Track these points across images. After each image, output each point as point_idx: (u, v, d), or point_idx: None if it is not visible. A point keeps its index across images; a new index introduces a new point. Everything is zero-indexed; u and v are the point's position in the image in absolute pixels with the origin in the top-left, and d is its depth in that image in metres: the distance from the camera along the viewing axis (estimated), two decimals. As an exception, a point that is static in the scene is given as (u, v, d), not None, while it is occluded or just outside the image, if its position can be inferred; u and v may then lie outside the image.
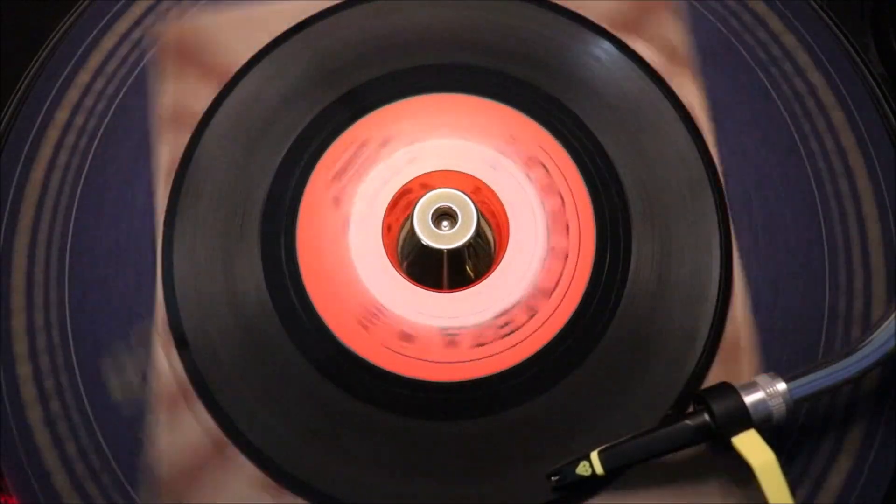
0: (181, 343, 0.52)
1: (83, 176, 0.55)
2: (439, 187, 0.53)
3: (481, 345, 0.52)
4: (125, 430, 0.51)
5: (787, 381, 0.47)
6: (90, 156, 0.55)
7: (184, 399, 0.51)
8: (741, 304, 0.53)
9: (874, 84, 0.56)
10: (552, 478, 0.48)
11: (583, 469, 0.47)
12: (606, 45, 0.58)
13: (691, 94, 0.56)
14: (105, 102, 0.56)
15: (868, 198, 0.54)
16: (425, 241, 0.53)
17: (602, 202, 0.54)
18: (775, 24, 0.58)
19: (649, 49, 0.57)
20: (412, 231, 0.53)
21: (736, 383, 0.47)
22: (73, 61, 0.57)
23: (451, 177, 0.55)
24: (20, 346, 0.52)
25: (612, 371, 0.52)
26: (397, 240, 0.56)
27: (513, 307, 0.53)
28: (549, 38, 0.58)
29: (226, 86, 0.56)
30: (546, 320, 0.52)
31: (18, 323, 0.52)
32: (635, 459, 0.47)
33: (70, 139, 0.56)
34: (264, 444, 0.50)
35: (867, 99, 0.56)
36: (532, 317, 0.52)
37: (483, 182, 0.55)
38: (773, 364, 0.51)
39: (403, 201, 0.55)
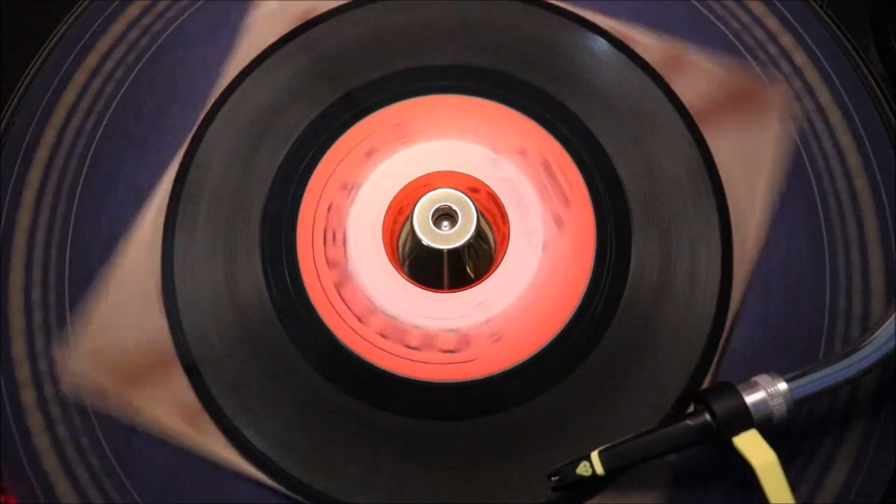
0: (182, 342, 0.52)
1: (83, 176, 0.55)
2: (439, 187, 0.53)
3: (481, 345, 0.52)
4: (125, 429, 0.51)
5: (787, 381, 0.47)
6: (89, 156, 0.55)
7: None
8: (741, 303, 0.53)
9: (874, 84, 0.56)
10: (552, 478, 0.48)
11: (583, 469, 0.47)
12: (606, 45, 0.58)
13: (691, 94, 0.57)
14: (104, 101, 0.56)
15: (867, 197, 0.54)
16: (425, 241, 0.53)
17: (602, 202, 0.54)
18: (775, 24, 0.58)
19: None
20: (412, 231, 0.53)
21: (737, 383, 0.47)
22: (70, 61, 0.57)
23: (451, 177, 0.55)
24: (18, 346, 0.52)
25: (612, 371, 0.52)
26: (398, 240, 0.56)
27: (513, 307, 0.53)
28: (549, 39, 0.58)
29: (227, 87, 0.56)
30: (546, 320, 0.52)
31: (17, 323, 0.52)
32: (635, 459, 0.47)
33: (68, 139, 0.55)
34: (264, 445, 0.50)
35: (867, 99, 0.56)
36: (532, 316, 0.52)
37: (483, 183, 0.55)
38: (774, 364, 0.51)
39: (404, 202, 0.55)
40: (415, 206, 0.53)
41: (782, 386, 0.47)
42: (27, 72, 0.57)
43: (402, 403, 0.51)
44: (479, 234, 0.54)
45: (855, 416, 0.51)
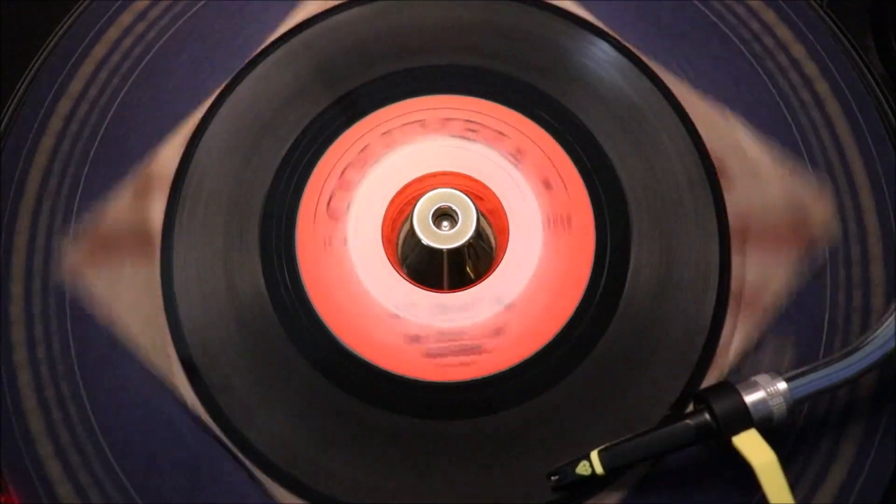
0: (181, 342, 0.52)
1: (82, 176, 0.55)
2: (439, 187, 0.53)
3: (481, 345, 0.52)
4: (124, 428, 0.51)
5: (787, 380, 0.47)
6: (89, 156, 0.55)
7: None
8: (741, 303, 0.53)
9: (874, 84, 0.56)
10: (552, 478, 0.48)
11: (583, 469, 0.47)
12: (606, 46, 0.58)
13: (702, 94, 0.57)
14: (105, 101, 0.56)
15: (867, 197, 0.54)
16: (425, 241, 0.53)
17: (602, 202, 0.54)
18: (775, 24, 0.58)
19: None
20: (412, 231, 0.53)
21: (736, 383, 0.47)
22: (72, 61, 0.57)
23: (450, 177, 0.55)
24: (19, 342, 0.52)
25: (612, 371, 0.52)
26: (397, 240, 0.56)
27: (513, 307, 0.53)
28: (548, 40, 0.58)
29: (225, 87, 0.56)
30: (546, 320, 0.52)
31: (17, 322, 0.52)
32: (635, 459, 0.47)
33: (69, 139, 0.56)
34: (264, 445, 0.50)
35: (867, 99, 0.56)
36: (532, 317, 0.52)
37: (482, 183, 0.55)
38: (774, 364, 0.51)
39: (404, 201, 0.55)
40: (415, 206, 0.53)
41: (782, 385, 0.47)
42: (27, 71, 0.57)
43: (402, 403, 0.51)
44: (479, 233, 0.54)
45: (855, 416, 0.51)
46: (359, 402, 0.51)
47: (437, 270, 0.54)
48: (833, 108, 0.56)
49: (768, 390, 0.47)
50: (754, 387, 0.47)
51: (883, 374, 0.51)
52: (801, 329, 0.52)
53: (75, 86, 0.57)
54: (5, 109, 0.56)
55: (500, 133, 0.56)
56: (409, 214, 0.54)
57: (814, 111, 0.56)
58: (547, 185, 0.55)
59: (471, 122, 0.56)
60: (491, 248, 0.56)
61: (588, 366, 0.52)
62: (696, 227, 0.54)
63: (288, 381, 0.51)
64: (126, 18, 0.58)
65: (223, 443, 0.50)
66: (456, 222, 0.53)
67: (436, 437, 0.51)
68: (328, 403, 0.51)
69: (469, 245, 0.53)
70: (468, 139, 0.56)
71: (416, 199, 0.53)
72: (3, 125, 0.56)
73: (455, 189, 0.53)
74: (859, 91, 0.56)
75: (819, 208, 0.54)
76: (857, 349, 0.48)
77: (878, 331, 0.48)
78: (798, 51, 0.57)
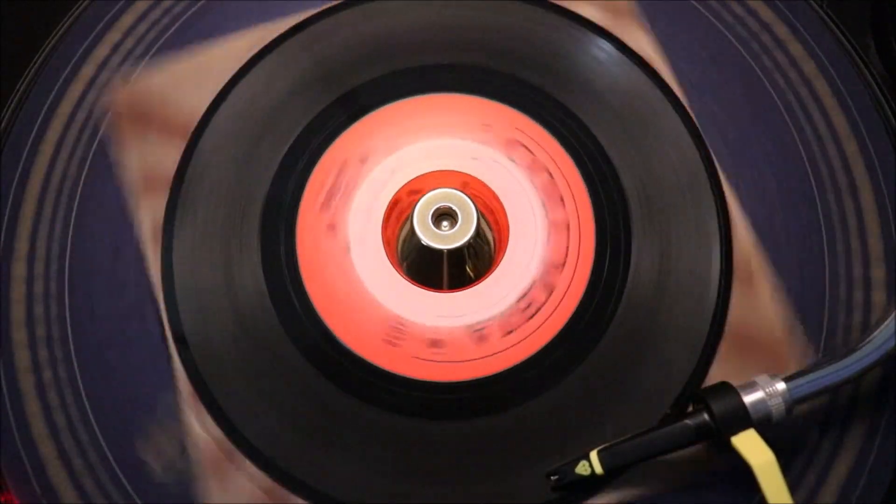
0: (181, 342, 0.52)
1: (82, 177, 0.55)
2: (439, 187, 0.53)
3: (481, 345, 0.52)
4: (124, 428, 0.51)
5: (786, 380, 0.47)
6: (91, 155, 0.55)
7: (229, 460, 0.50)
8: (741, 303, 0.53)
9: (874, 84, 0.56)
10: (552, 477, 0.48)
11: (582, 469, 0.47)
12: (607, 44, 0.58)
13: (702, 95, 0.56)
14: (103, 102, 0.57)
15: (868, 197, 0.54)
16: (425, 241, 0.53)
17: (602, 202, 0.54)
18: (774, 23, 0.58)
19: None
20: (412, 231, 0.53)
21: (735, 383, 0.47)
22: (71, 60, 0.57)
23: (451, 177, 0.55)
24: (20, 342, 0.52)
25: (612, 371, 0.52)
26: (397, 240, 0.56)
27: (512, 307, 0.53)
28: (549, 39, 0.58)
29: (223, 88, 0.56)
30: (546, 320, 0.52)
31: (18, 318, 0.52)
32: (635, 459, 0.47)
33: (70, 139, 0.56)
34: (264, 445, 0.50)
35: (867, 99, 0.56)
36: (532, 317, 0.52)
37: (482, 182, 0.55)
38: (773, 364, 0.51)
39: (404, 201, 0.55)
40: (415, 206, 0.53)
41: (781, 386, 0.47)
42: (27, 71, 0.57)
43: (402, 403, 0.51)
44: (478, 234, 0.54)
45: (855, 416, 0.51)
46: (358, 402, 0.51)
47: (437, 270, 0.54)
48: (833, 107, 0.56)
49: (767, 390, 0.47)
50: (753, 387, 0.47)
51: (883, 374, 0.51)
52: (800, 329, 0.52)
53: (75, 87, 0.57)
54: (5, 109, 0.56)
55: (501, 133, 0.56)
56: (409, 214, 0.54)
57: (813, 111, 0.56)
58: (547, 184, 0.55)
59: (471, 121, 0.56)
60: (491, 248, 0.56)
61: (588, 366, 0.52)
62: (697, 227, 0.54)
63: (287, 381, 0.51)
64: (132, 14, 0.58)
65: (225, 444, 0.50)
66: (456, 222, 0.53)
67: (435, 437, 0.51)
68: (328, 403, 0.51)
69: (469, 245, 0.53)
70: (469, 139, 0.56)
71: (416, 198, 0.53)
72: (2, 125, 0.56)
73: (455, 189, 0.53)
74: (859, 91, 0.56)
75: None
76: (856, 349, 0.48)
77: (878, 330, 0.48)
78: (797, 50, 0.57)
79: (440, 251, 0.53)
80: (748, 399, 0.46)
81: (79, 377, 0.51)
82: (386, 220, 0.55)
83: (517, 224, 0.54)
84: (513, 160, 0.55)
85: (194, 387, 0.51)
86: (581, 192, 0.55)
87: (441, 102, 0.57)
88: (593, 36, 0.58)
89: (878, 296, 0.53)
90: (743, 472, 0.46)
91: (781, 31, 0.58)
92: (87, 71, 0.57)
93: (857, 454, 0.50)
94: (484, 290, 0.53)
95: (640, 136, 0.55)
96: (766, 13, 0.58)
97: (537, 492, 0.49)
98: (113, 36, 0.58)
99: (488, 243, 0.56)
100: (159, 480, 0.50)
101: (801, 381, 0.47)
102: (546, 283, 0.53)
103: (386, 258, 0.54)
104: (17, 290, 0.53)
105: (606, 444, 0.48)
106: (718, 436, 0.46)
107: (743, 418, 0.46)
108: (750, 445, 0.45)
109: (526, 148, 0.55)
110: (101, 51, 0.57)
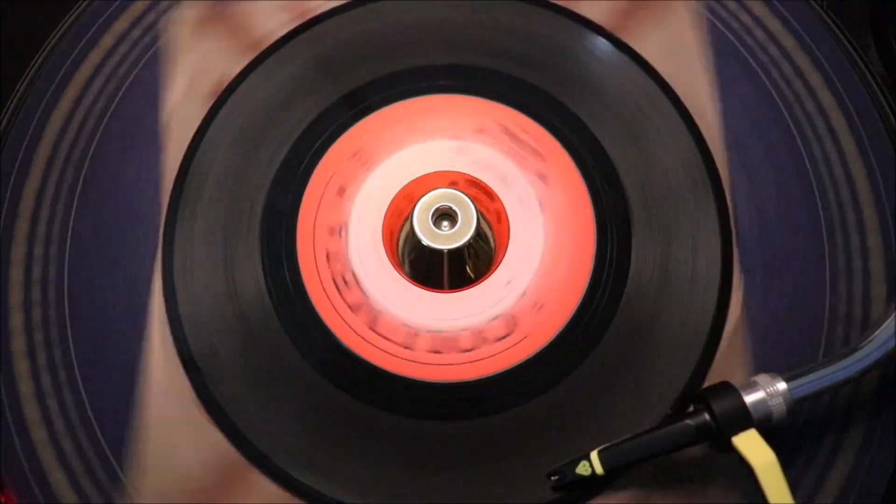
0: (181, 340, 0.52)
1: (82, 176, 0.55)
2: (439, 187, 0.53)
3: (481, 345, 0.52)
4: (124, 427, 0.51)
5: (787, 380, 0.47)
6: (89, 155, 0.55)
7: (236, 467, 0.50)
8: (741, 303, 0.53)
9: (874, 84, 0.56)
10: (552, 477, 0.48)
11: (583, 469, 0.47)
12: (607, 44, 0.58)
13: (702, 95, 0.56)
14: (104, 101, 0.56)
15: (868, 198, 0.54)
16: (425, 241, 0.53)
17: (602, 202, 0.54)
18: (775, 24, 0.58)
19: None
20: (412, 232, 0.53)
21: (736, 383, 0.47)
22: (71, 60, 0.57)
23: (451, 177, 0.55)
24: (18, 344, 0.52)
25: (612, 371, 0.52)
26: (398, 240, 0.56)
27: (512, 307, 0.53)
28: (550, 39, 0.58)
29: (226, 87, 0.56)
30: (546, 320, 0.52)
31: (16, 319, 0.52)
32: (635, 459, 0.47)
33: (69, 138, 0.56)
34: (264, 445, 0.50)
35: (867, 99, 0.56)
36: (532, 317, 0.52)
37: (484, 183, 0.55)
38: (773, 364, 0.51)
39: (404, 202, 0.55)
40: (415, 206, 0.53)
41: (781, 385, 0.47)
42: (27, 71, 0.57)
43: (402, 403, 0.51)
44: (478, 234, 0.54)
45: (855, 416, 0.51)
46: (359, 403, 0.51)
47: (437, 270, 0.54)
48: (832, 107, 0.56)
49: (768, 390, 0.47)
50: (754, 387, 0.47)
51: (883, 374, 0.51)
52: (801, 329, 0.52)
53: (73, 88, 0.57)
54: (5, 109, 0.56)
55: (502, 133, 0.56)
56: (409, 214, 0.54)
57: (813, 110, 0.56)
58: (548, 185, 0.55)
59: (473, 121, 0.56)
60: (491, 248, 0.56)
61: (588, 366, 0.52)
62: (696, 226, 0.54)
63: (288, 381, 0.51)
64: (129, 16, 0.58)
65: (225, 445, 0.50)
66: (456, 222, 0.53)
67: (436, 437, 0.51)
68: (328, 403, 0.51)
69: (469, 245, 0.53)
70: (469, 139, 0.56)
71: (416, 198, 0.53)
72: (2, 125, 0.56)
73: (455, 189, 0.53)
74: (859, 91, 0.56)
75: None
76: (856, 349, 0.48)
77: (878, 330, 0.48)
78: (797, 50, 0.57)
79: (440, 251, 0.53)
80: (749, 399, 0.46)
81: (79, 377, 0.51)
82: (386, 221, 0.55)
83: (517, 224, 0.54)
84: (513, 161, 0.55)
85: (195, 386, 0.51)
86: (581, 192, 0.55)
87: (442, 103, 0.57)
88: (594, 36, 0.58)
89: (878, 295, 0.53)
90: (743, 472, 0.46)
91: (780, 30, 0.58)
92: (86, 72, 0.57)
93: (856, 454, 0.50)
94: (484, 290, 0.53)
95: (640, 136, 0.56)
96: (766, 13, 0.58)
97: (537, 492, 0.49)
98: (113, 37, 0.58)
99: (488, 243, 0.56)
100: None
101: (801, 380, 0.47)
102: (546, 283, 0.53)
103: (387, 258, 0.54)
104: (15, 295, 0.53)
105: (607, 445, 0.48)
106: (719, 436, 0.46)
107: (744, 418, 0.46)
108: (751, 445, 0.45)
109: (526, 148, 0.56)
110: (101, 51, 0.57)
